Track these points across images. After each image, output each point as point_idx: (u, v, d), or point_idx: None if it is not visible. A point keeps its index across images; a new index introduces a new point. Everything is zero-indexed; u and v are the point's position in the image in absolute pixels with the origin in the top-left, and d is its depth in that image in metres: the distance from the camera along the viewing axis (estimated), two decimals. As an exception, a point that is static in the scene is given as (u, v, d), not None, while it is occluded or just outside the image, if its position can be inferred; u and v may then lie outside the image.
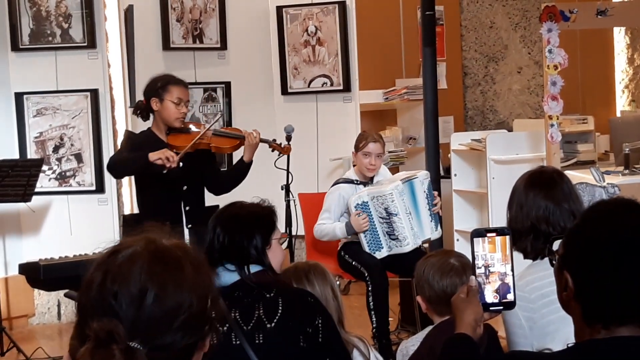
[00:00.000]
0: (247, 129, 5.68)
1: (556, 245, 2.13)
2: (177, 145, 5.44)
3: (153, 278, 1.71)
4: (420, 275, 3.45)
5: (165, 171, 5.21)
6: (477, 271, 2.37)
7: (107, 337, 1.65)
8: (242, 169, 5.65)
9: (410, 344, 3.55)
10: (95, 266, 1.75)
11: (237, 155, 5.94)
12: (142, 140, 5.53)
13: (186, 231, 5.45)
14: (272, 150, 5.90)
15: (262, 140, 5.67)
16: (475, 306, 2.37)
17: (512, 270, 2.40)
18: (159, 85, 5.48)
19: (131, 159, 5.38)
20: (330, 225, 5.98)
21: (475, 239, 2.38)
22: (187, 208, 5.50)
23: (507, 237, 2.39)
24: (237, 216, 3.30)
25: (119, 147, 7.08)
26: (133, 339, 1.66)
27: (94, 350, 1.65)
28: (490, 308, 2.39)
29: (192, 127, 5.61)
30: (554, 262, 2.11)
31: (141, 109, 5.59)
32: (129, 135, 5.69)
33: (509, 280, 2.38)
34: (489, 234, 2.38)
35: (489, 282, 2.37)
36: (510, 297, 2.38)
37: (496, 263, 2.37)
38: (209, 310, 1.77)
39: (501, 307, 2.40)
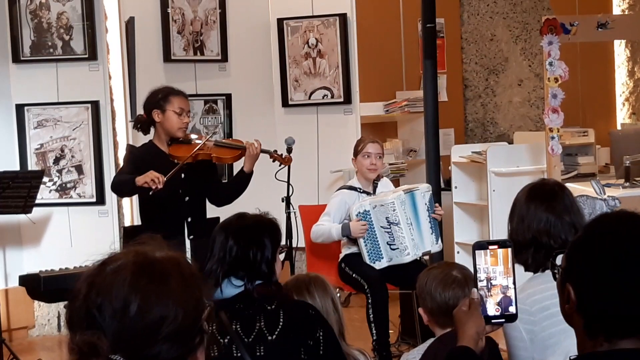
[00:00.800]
0: (248, 140, 5.68)
1: (559, 260, 2.12)
2: (179, 155, 5.45)
3: (136, 290, 1.70)
4: (423, 287, 3.44)
5: (151, 193, 5.21)
6: (479, 284, 2.37)
7: (89, 351, 1.64)
8: (243, 180, 5.65)
9: (412, 356, 3.54)
10: (83, 278, 1.75)
11: (237, 167, 5.94)
12: (143, 153, 5.53)
13: (187, 242, 5.45)
14: (273, 161, 5.89)
15: (262, 151, 5.67)
16: (477, 319, 2.37)
17: (514, 283, 2.39)
18: (160, 97, 5.50)
19: (123, 182, 5.41)
20: (326, 226, 5.98)
21: (477, 252, 2.38)
22: (189, 219, 5.50)
23: (509, 249, 2.39)
24: (250, 229, 3.28)
25: (120, 159, 7.10)
26: (116, 352, 1.65)
27: None
28: (492, 321, 2.39)
29: (194, 138, 5.62)
30: (557, 276, 2.10)
31: (142, 123, 5.60)
32: (130, 150, 5.69)
33: (510, 293, 2.38)
34: (490, 247, 2.38)
35: (491, 295, 2.37)
36: (512, 309, 2.38)
37: (498, 276, 2.37)
38: (200, 323, 1.76)
39: (503, 320, 2.40)
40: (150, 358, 1.69)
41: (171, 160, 5.43)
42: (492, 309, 2.38)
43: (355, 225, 5.85)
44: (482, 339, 2.40)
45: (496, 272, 2.37)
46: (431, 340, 3.46)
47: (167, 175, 5.24)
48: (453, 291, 3.35)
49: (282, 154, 5.88)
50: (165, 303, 1.71)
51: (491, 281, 2.36)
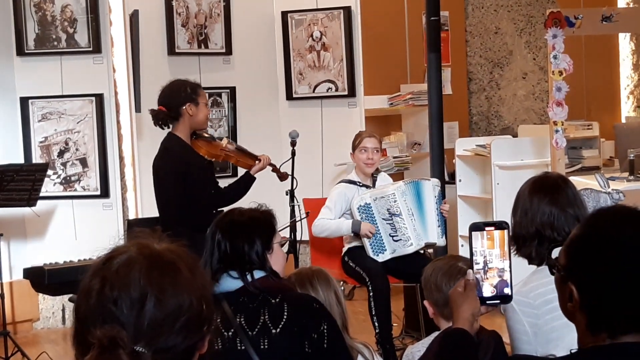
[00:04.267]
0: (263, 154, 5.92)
1: (555, 253, 2.12)
2: (209, 151, 5.60)
3: (152, 282, 1.71)
4: (428, 278, 3.45)
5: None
6: (476, 267, 2.36)
7: (110, 344, 1.65)
8: (248, 183, 5.80)
9: (416, 349, 3.55)
10: (91, 274, 1.76)
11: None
12: (181, 151, 5.53)
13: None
14: (278, 177, 6.06)
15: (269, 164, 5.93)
16: (473, 300, 2.35)
17: (510, 265, 2.38)
18: (190, 91, 5.54)
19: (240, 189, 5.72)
20: (333, 221, 5.99)
21: (473, 233, 2.36)
22: (214, 212, 5.58)
23: (505, 231, 2.37)
24: (237, 222, 3.28)
25: (124, 152, 7.11)
26: (137, 343, 1.67)
27: (99, 357, 1.65)
28: (487, 302, 2.37)
29: (214, 136, 5.83)
30: (554, 270, 2.10)
31: (163, 117, 5.56)
32: (171, 159, 5.54)
33: (507, 276, 2.36)
34: (487, 228, 2.36)
35: (487, 278, 2.35)
36: (507, 291, 2.35)
37: (494, 259, 2.35)
38: (206, 310, 1.78)
39: (498, 301, 2.38)
40: (169, 349, 1.70)
41: (198, 154, 5.53)
42: (487, 291, 2.36)
43: (366, 225, 5.86)
44: (478, 320, 2.39)
45: (492, 255, 2.35)
46: (436, 333, 3.46)
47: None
48: (459, 282, 3.35)
49: (281, 170, 6.09)
50: (180, 293, 1.73)
51: (488, 264, 2.35)
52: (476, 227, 2.37)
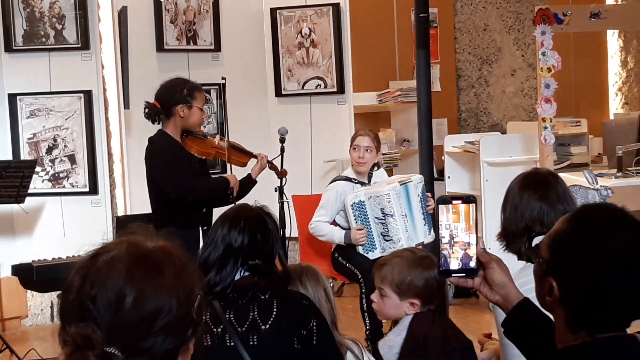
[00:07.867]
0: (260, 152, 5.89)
1: (537, 241, 2.12)
2: (200, 149, 5.55)
3: (132, 282, 1.69)
4: (401, 279, 3.54)
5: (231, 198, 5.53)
6: (443, 241, 2.32)
7: (84, 343, 1.63)
8: (250, 186, 5.78)
9: (388, 339, 3.59)
10: (75, 269, 1.74)
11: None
12: (167, 145, 5.52)
13: (201, 232, 5.48)
14: (277, 174, 6.01)
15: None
16: (503, 266, 2.31)
17: (477, 239, 2.34)
18: (186, 93, 5.51)
19: (216, 185, 5.62)
20: (329, 227, 6.00)
21: (440, 206, 2.33)
22: (203, 210, 5.55)
23: (472, 205, 2.33)
24: (268, 222, 3.29)
25: (113, 148, 7.09)
26: (111, 344, 1.65)
27: (71, 356, 1.64)
28: (452, 275, 2.34)
29: (207, 134, 5.77)
30: (534, 260, 2.10)
31: (155, 112, 5.55)
32: (161, 147, 5.56)
33: (472, 250, 2.32)
34: (454, 202, 2.32)
35: (453, 252, 2.32)
36: (472, 264, 2.32)
37: (460, 233, 2.31)
38: (192, 313, 1.75)
39: (463, 275, 2.34)
40: (145, 350, 1.67)
41: (188, 150, 5.50)
42: (454, 265, 2.33)
43: (355, 234, 5.87)
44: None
45: (458, 229, 2.31)
46: (407, 319, 3.50)
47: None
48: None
49: (279, 167, 6.02)
50: (160, 295, 1.70)
51: (454, 238, 2.32)
52: (443, 200, 2.33)
